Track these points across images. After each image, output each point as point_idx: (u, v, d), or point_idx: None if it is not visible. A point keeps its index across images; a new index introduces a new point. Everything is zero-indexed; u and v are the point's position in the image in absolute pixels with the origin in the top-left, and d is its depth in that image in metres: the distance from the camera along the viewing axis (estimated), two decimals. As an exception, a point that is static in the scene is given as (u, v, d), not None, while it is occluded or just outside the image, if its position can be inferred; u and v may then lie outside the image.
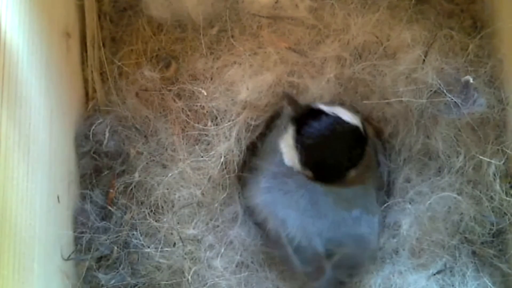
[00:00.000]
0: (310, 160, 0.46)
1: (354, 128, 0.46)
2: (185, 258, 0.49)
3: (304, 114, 0.46)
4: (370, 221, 0.51)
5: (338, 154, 0.45)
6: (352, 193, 0.50)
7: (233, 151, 0.52)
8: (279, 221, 0.50)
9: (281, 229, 0.50)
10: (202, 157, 0.51)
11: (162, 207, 0.50)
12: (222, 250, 0.50)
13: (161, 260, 0.49)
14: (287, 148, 0.47)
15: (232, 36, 0.53)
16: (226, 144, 0.52)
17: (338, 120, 0.45)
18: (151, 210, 0.50)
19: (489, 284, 0.49)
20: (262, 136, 0.54)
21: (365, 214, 0.51)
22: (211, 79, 0.52)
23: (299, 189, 0.50)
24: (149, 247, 0.49)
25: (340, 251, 0.50)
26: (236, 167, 0.53)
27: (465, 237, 0.50)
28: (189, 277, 0.48)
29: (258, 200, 0.51)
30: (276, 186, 0.50)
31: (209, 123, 0.52)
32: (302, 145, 0.45)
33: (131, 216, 0.50)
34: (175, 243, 0.49)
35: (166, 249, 0.49)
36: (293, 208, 0.50)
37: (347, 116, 0.46)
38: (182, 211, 0.50)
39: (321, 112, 0.45)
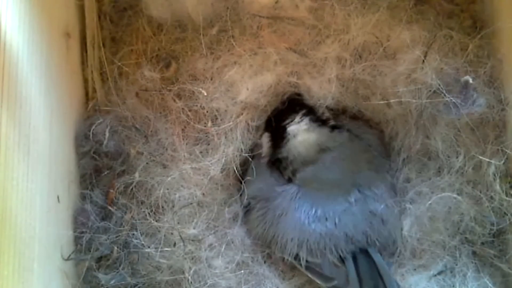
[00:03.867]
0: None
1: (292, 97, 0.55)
2: (185, 258, 0.49)
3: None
4: (376, 195, 0.51)
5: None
6: (339, 176, 0.52)
7: (233, 151, 0.52)
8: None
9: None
10: (202, 157, 0.51)
11: (163, 207, 0.50)
12: (222, 250, 0.50)
13: (161, 260, 0.48)
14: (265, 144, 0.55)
15: (232, 36, 0.52)
16: (227, 144, 0.52)
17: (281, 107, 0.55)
18: (151, 210, 0.50)
19: (490, 284, 0.49)
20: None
21: (366, 190, 0.51)
22: (211, 79, 0.52)
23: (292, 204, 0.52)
24: (149, 247, 0.49)
25: (365, 240, 0.50)
26: (236, 168, 0.53)
27: (466, 238, 0.50)
28: (189, 277, 0.48)
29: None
30: (269, 209, 0.53)
31: (209, 123, 0.52)
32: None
33: (131, 216, 0.50)
34: (175, 243, 0.49)
35: (166, 249, 0.48)
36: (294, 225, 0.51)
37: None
38: (182, 211, 0.50)
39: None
